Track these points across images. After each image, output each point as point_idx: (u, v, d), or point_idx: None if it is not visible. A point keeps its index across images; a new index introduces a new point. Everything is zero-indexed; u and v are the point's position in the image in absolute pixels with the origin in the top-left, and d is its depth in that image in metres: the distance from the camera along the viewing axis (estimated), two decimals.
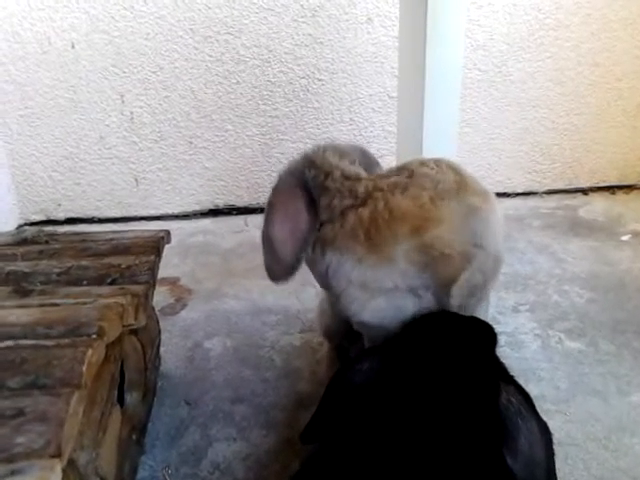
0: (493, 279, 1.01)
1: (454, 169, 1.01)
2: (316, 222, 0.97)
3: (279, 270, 0.98)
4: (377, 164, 1.14)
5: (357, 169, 1.01)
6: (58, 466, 0.53)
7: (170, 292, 1.69)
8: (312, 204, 0.97)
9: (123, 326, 0.82)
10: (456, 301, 0.96)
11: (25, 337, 0.69)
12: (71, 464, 0.73)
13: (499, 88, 2.22)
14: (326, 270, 1.00)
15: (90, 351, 0.66)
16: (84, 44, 2.00)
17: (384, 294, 0.96)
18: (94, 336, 0.69)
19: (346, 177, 0.98)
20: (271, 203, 0.97)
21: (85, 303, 0.80)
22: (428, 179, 0.98)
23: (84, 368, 0.63)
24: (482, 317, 1.06)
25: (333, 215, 0.97)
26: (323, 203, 0.97)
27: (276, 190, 0.98)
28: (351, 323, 1.09)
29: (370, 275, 0.95)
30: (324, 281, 1.03)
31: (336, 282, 1.00)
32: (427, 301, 0.96)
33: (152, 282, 1.01)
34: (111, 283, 0.98)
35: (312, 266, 1.05)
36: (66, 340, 0.68)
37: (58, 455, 0.53)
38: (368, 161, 1.09)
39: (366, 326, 1.03)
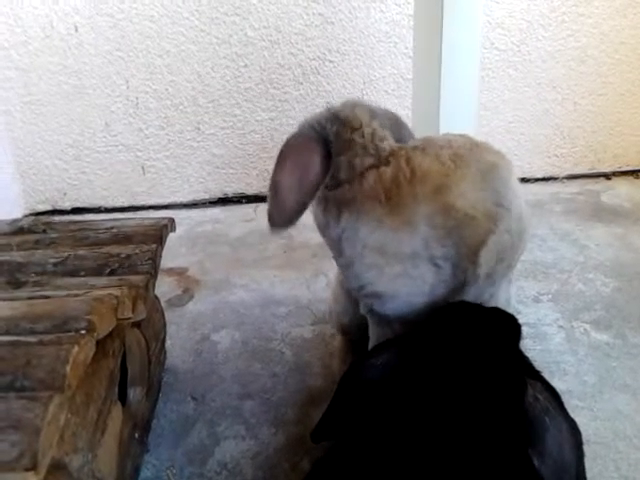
0: (520, 243, 0.95)
1: (462, 135, 0.99)
2: (325, 179, 0.93)
3: (279, 218, 0.93)
4: (410, 134, 1.07)
5: (386, 132, 0.96)
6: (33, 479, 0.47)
7: (177, 283, 1.65)
8: (326, 160, 0.92)
9: (119, 319, 0.76)
10: (484, 269, 0.90)
11: (7, 333, 0.63)
12: (62, 469, 0.68)
13: (518, 68, 2.13)
14: (340, 234, 0.95)
15: (76, 348, 0.60)
16: (87, 27, 1.95)
17: (402, 261, 0.90)
18: (82, 331, 0.64)
19: (375, 136, 0.94)
20: (284, 152, 0.93)
21: (77, 295, 0.74)
22: (442, 140, 0.97)
23: (68, 368, 0.57)
24: (506, 293, 1.02)
25: (352, 174, 0.93)
26: (344, 160, 0.93)
27: (291, 140, 0.94)
28: (359, 300, 1.04)
29: (390, 239, 0.90)
30: (337, 247, 0.99)
31: (350, 247, 0.95)
32: (445, 273, 0.91)
33: (153, 272, 0.96)
34: (110, 274, 0.93)
35: (324, 230, 1.01)
36: (50, 336, 0.62)
37: (33, 467, 0.48)
38: (399, 129, 1.03)
39: (380, 299, 0.97)
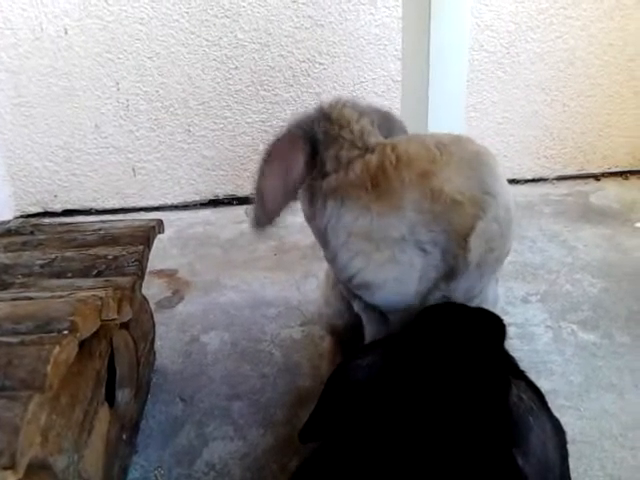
0: (509, 234, 0.95)
1: (448, 133, 1.00)
2: (308, 177, 0.94)
3: (261, 217, 0.95)
4: (402, 129, 1.09)
5: (375, 130, 0.97)
6: (11, 478, 0.47)
7: (167, 284, 1.65)
8: (311, 156, 0.93)
9: (103, 320, 0.76)
10: (474, 256, 0.90)
11: None
12: (47, 469, 0.68)
13: (507, 70, 2.14)
14: (326, 224, 0.96)
15: (57, 348, 0.60)
16: (77, 30, 1.95)
17: (389, 246, 0.90)
18: (65, 332, 0.64)
19: (363, 133, 0.95)
20: (269, 152, 0.94)
21: (61, 297, 0.74)
22: (427, 134, 1.01)
23: (48, 368, 0.57)
24: (493, 292, 1.03)
25: (338, 166, 0.94)
26: (330, 154, 0.94)
27: (278, 139, 0.95)
28: (351, 298, 1.03)
29: (376, 225, 0.90)
30: (323, 238, 0.99)
31: (335, 235, 0.95)
32: (435, 259, 0.91)
33: (140, 273, 0.96)
34: (97, 275, 0.93)
35: (311, 221, 1.01)
36: (32, 337, 0.62)
37: (11, 466, 0.48)
38: (390, 125, 1.04)
39: (369, 289, 0.96)
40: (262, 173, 0.93)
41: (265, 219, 0.94)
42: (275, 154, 0.94)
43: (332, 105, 0.98)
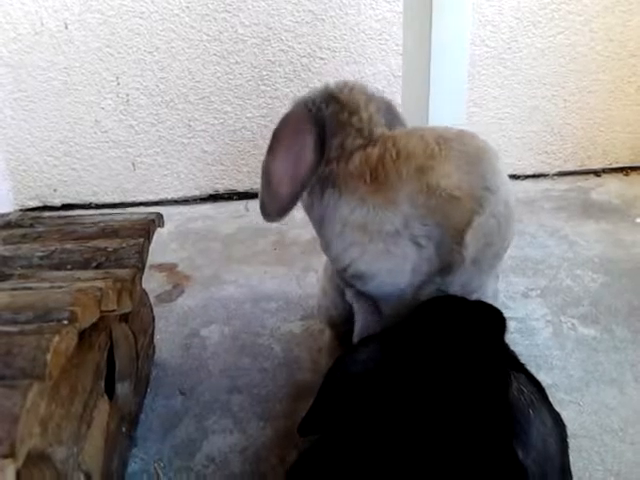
0: (508, 229, 0.95)
1: (449, 126, 1.00)
2: (320, 163, 0.93)
3: (272, 208, 0.94)
4: (402, 121, 1.09)
5: (381, 119, 0.98)
6: (11, 467, 0.47)
7: (167, 278, 1.64)
8: (320, 143, 0.92)
9: (102, 311, 0.76)
10: (470, 251, 0.89)
11: None
12: (46, 460, 0.68)
13: (508, 65, 2.14)
14: (323, 213, 0.95)
15: (57, 338, 0.60)
16: (77, 24, 1.94)
17: (384, 239, 0.90)
18: (64, 322, 0.64)
19: (371, 121, 0.95)
20: (277, 135, 0.93)
21: (61, 287, 0.74)
22: (429, 128, 0.99)
23: (48, 357, 0.57)
24: (493, 287, 1.02)
25: (341, 155, 0.93)
26: (336, 141, 0.93)
27: (285, 121, 0.94)
28: (344, 283, 1.03)
29: (371, 217, 0.90)
30: (319, 227, 0.99)
31: (331, 225, 0.94)
32: (428, 252, 0.90)
33: (140, 266, 0.96)
34: (97, 267, 0.92)
35: (309, 210, 1.01)
36: (32, 326, 0.62)
37: (11, 455, 0.48)
38: (392, 116, 1.04)
39: (362, 279, 0.96)
40: (270, 160, 0.92)
41: (274, 210, 0.93)
42: (282, 140, 0.92)
43: (340, 87, 0.97)
